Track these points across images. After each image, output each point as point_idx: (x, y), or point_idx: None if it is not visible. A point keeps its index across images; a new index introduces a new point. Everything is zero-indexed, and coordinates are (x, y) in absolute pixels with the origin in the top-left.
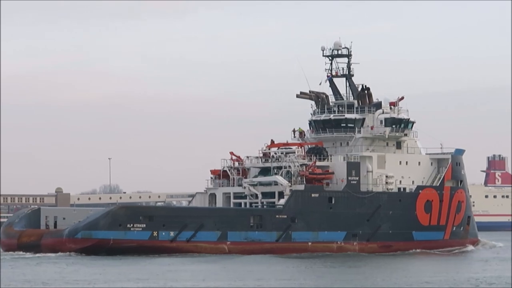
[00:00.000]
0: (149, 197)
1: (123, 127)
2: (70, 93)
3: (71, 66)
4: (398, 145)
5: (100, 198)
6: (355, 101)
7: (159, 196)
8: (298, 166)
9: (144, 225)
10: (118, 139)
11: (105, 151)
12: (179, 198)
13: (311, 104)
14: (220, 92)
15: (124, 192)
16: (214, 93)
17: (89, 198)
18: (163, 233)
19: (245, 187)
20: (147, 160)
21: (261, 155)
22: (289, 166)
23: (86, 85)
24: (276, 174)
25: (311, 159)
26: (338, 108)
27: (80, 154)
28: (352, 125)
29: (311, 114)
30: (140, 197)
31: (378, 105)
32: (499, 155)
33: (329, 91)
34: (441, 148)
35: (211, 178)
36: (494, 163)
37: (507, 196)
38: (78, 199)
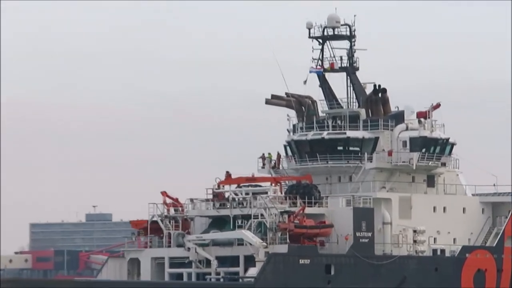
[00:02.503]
0: None
1: None
2: None
3: None
4: (431, 181)
5: None
6: (362, 111)
7: None
8: (276, 215)
9: None
10: None
11: None
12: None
13: (288, 116)
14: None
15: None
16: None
17: None
18: None
19: (188, 249)
20: None
21: (212, 196)
22: (262, 215)
23: None
24: (240, 227)
25: (295, 203)
26: (335, 122)
27: None
28: (358, 149)
29: (290, 130)
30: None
31: (399, 117)
32: None
33: (319, 94)
34: (495, 185)
35: (133, 234)
36: None
37: None
38: None
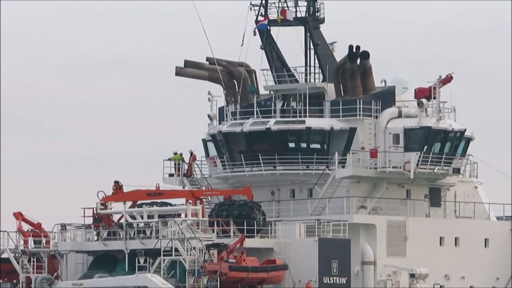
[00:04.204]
0: None
1: None
2: None
3: None
4: (436, 197)
5: None
6: (330, 87)
7: None
8: (199, 251)
9: None
10: None
11: None
12: None
13: (210, 94)
14: None
15: None
16: None
17: None
18: None
19: None
20: None
21: (94, 221)
22: (176, 250)
23: None
24: (142, 269)
25: (226, 231)
26: (287, 104)
27: None
28: (324, 146)
29: (213, 117)
30: None
31: (388, 97)
32: None
33: (261, 61)
34: None
35: None
36: None
37: None
38: None
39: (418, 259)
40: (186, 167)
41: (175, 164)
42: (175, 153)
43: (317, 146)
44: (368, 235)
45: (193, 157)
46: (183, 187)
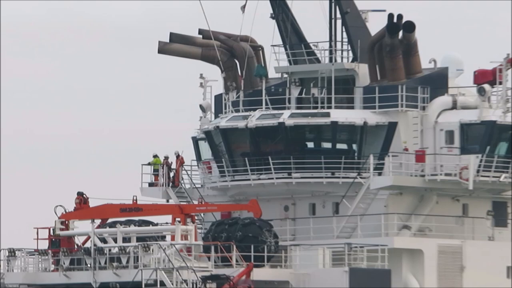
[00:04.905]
0: None
1: None
2: None
3: None
4: (501, 214)
5: None
6: (362, 68)
7: None
8: (193, 286)
9: None
10: None
11: None
12: None
13: (203, 78)
14: None
15: None
16: None
17: None
18: None
19: None
20: None
21: (50, 245)
22: (162, 284)
23: None
24: None
25: (227, 259)
26: (306, 90)
27: None
28: (354, 148)
29: (206, 109)
30: None
31: (439, 81)
32: None
33: (271, 36)
34: None
35: None
36: None
37: None
38: None
39: None
40: (172, 174)
41: (155, 171)
42: (155, 156)
43: (346, 146)
44: (413, 264)
45: (180, 160)
46: (167, 201)
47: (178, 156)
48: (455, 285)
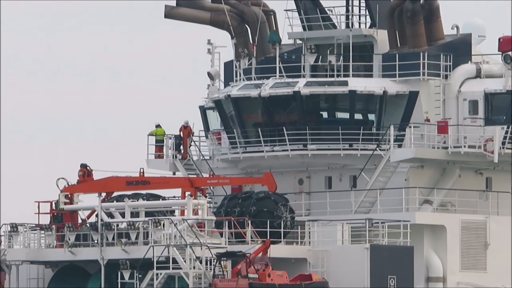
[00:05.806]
0: None
1: None
2: None
3: None
4: None
5: None
6: (381, 34)
7: None
8: (208, 261)
9: None
10: None
11: None
12: None
13: (211, 44)
14: None
15: None
16: None
17: None
18: None
19: None
20: None
21: (52, 219)
22: (174, 262)
23: None
24: (124, 285)
25: (241, 235)
26: (321, 58)
27: None
28: (373, 118)
29: (215, 77)
30: None
31: (462, 49)
32: None
33: (286, 1)
34: None
35: None
36: None
37: None
38: None
39: (504, 274)
40: (177, 143)
41: (157, 142)
42: (158, 126)
43: (366, 116)
44: (435, 241)
45: (187, 130)
46: (174, 173)
47: (186, 126)
48: (478, 263)
